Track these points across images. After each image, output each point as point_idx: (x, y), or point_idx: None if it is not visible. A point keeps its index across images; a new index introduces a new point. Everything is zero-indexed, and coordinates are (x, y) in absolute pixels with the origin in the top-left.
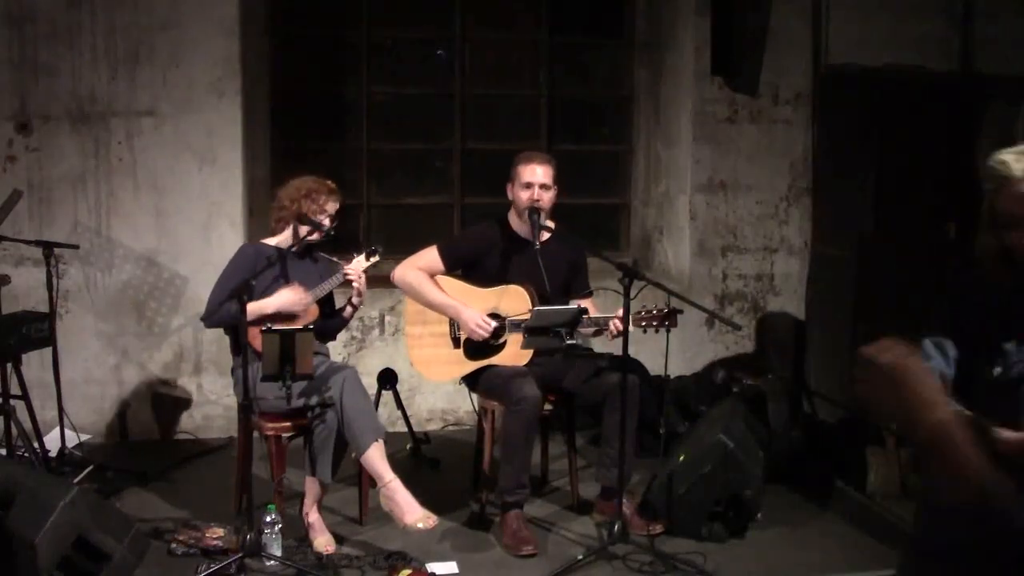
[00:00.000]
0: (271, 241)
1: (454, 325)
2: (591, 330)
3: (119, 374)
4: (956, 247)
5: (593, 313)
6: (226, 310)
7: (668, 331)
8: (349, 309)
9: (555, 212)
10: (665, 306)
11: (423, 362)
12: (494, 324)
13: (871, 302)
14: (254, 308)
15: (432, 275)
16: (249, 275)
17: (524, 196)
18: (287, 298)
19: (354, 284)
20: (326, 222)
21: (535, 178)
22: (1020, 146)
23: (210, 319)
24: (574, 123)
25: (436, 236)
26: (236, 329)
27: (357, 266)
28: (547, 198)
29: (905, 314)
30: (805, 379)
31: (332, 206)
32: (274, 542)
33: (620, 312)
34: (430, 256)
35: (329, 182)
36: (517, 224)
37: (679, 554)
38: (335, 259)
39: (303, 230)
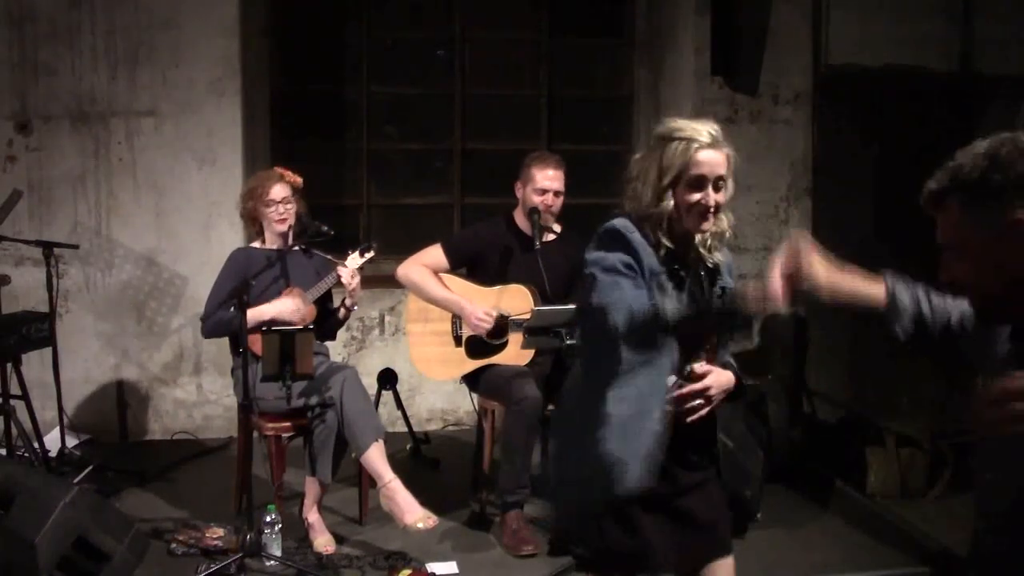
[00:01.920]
0: (260, 247)
1: (456, 323)
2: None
3: (119, 374)
4: None
5: None
6: (219, 317)
7: None
8: (343, 311)
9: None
10: None
11: (424, 361)
12: (496, 313)
13: None
14: (252, 314)
15: (436, 272)
16: (243, 278)
17: (537, 200)
18: (286, 306)
19: (346, 286)
20: (320, 227)
21: (552, 184)
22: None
23: (206, 327)
24: (574, 123)
25: (436, 236)
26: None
27: (352, 264)
28: (559, 203)
29: None
30: (805, 379)
31: (278, 190)
32: (274, 542)
33: None
34: (435, 253)
35: (276, 168)
36: (523, 223)
37: None
38: (330, 257)
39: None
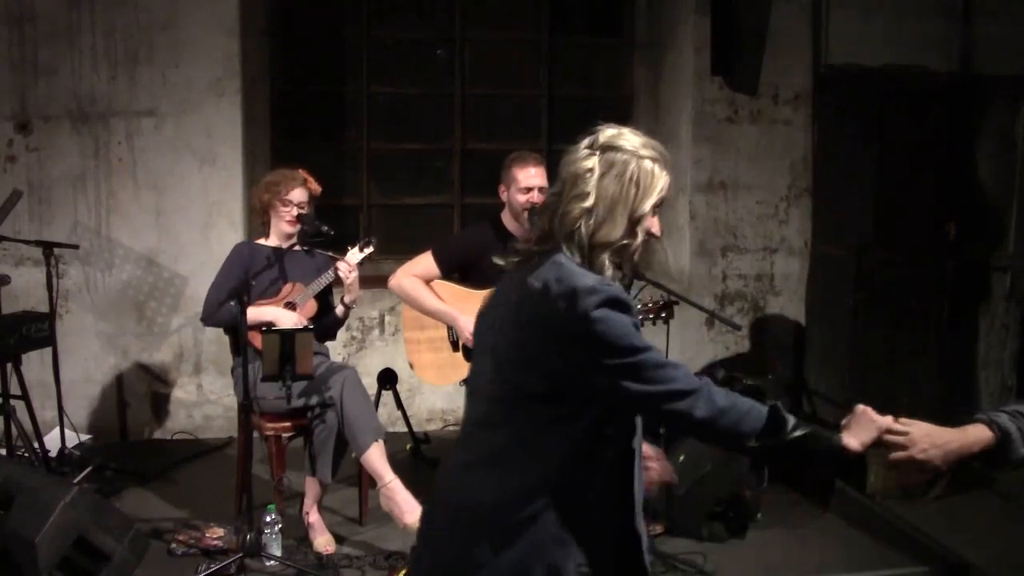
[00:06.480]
0: (264, 243)
1: (452, 328)
2: None
3: (119, 374)
4: (956, 247)
5: None
6: (226, 310)
7: (667, 324)
8: (341, 308)
9: None
10: (661, 298)
11: (423, 367)
12: None
13: (871, 302)
14: (252, 314)
15: (429, 280)
16: (245, 273)
17: (523, 199)
18: (288, 318)
19: (344, 279)
20: (318, 227)
21: (535, 181)
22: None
23: (209, 319)
24: (574, 123)
25: (436, 236)
26: (236, 329)
27: (351, 259)
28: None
29: (905, 314)
30: (805, 379)
31: (298, 194)
32: (274, 542)
33: None
34: (425, 262)
35: (300, 171)
36: (512, 225)
37: (679, 554)
38: (330, 254)
39: (291, 227)
